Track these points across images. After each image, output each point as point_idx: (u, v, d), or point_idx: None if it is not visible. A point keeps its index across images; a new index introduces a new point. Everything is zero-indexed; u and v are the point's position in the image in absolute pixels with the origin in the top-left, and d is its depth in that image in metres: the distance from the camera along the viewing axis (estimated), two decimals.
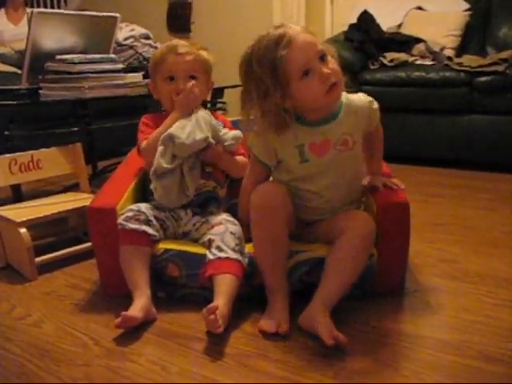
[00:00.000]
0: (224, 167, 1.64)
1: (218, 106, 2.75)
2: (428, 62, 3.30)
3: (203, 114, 1.55)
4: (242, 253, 1.40)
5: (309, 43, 1.28)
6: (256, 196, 1.36)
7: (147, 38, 3.59)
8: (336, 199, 1.44)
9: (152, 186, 1.52)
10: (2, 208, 1.84)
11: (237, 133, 1.60)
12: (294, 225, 1.46)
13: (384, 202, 1.42)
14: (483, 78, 2.94)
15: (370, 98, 1.45)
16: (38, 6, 4.77)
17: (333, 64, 1.31)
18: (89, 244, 1.75)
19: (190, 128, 1.50)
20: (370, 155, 1.54)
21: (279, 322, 1.29)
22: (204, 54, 1.63)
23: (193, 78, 1.60)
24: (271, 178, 1.48)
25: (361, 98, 1.44)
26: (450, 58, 3.21)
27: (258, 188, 1.38)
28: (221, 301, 1.28)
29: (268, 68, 1.26)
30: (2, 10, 3.90)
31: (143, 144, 1.59)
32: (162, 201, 1.51)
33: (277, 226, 1.34)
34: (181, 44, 1.59)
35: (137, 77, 2.41)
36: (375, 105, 1.45)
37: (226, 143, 1.58)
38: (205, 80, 1.64)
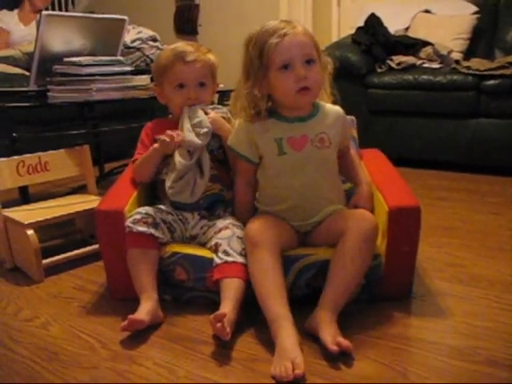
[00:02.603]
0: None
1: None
2: (436, 66, 3.29)
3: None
4: None
5: (300, 43, 1.38)
6: (248, 232, 1.37)
7: (154, 40, 3.61)
8: (316, 196, 1.46)
9: (168, 185, 1.53)
10: (10, 210, 1.84)
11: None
12: (295, 241, 1.47)
13: (395, 206, 1.40)
14: (491, 82, 2.92)
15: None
16: (46, 9, 4.77)
17: (316, 72, 1.40)
18: (96, 246, 1.75)
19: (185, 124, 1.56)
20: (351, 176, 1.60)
21: (293, 361, 1.13)
22: (210, 57, 1.62)
23: (202, 84, 1.60)
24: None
25: (337, 107, 1.53)
26: (457, 62, 3.20)
27: (249, 226, 1.39)
28: (228, 307, 1.28)
29: (258, 50, 1.38)
30: (15, 11, 3.92)
31: (134, 166, 1.63)
32: (176, 198, 1.53)
33: (269, 259, 1.31)
34: (188, 51, 1.58)
35: (144, 79, 2.41)
36: (347, 118, 1.56)
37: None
38: (212, 84, 1.64)
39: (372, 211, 1.49)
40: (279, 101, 1.44)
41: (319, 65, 1.42)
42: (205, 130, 1.53)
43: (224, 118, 1.62)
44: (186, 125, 1.54)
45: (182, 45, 1.62)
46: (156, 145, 1.56)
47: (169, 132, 1.51)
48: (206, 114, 1.57)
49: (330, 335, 1.20)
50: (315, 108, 1.49)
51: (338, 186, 1.56)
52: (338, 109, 1.53)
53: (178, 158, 1.53)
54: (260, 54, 1.38)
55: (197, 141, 1.52)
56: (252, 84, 1.40)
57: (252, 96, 1.41)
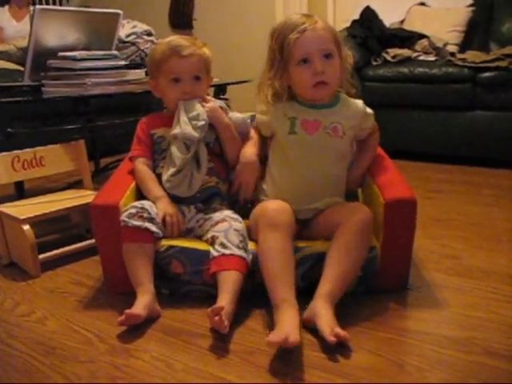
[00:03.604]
0: (227, 134, 1.62)
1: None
2: (431, 58, 3.29)
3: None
4: (245, 250, 1.40)
5: (318, 38, 1.44)
6: (266, 213, 1.38)
7: (149, 34, 3.58)
8: (320, 182, 1.49)
9: (165, 178, 1.53)
10: (6, 205, 1.83)
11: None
12: (295, 230, 1.47)
13: (392, 198, 1.41)
14: (486, 74, 2.93)
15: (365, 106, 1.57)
16: (41, 3, 4.75)
17: (334, 66, 1.46)
18: (92, 241, 1.75)
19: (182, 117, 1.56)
20: (356, 159, 1.60)
21: (288, 333, 1.15)
22: (206, 51, 1.62)
23: (197, 78, 1.60)
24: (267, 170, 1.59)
25: (358, 101, 1.56)
26: (453, 54, 3.20)
27: (265, 206, 1.40)
28: (226, 300, 1.28)
29: (279, 44, 1.46)
30: (6, 7, 3.89)
31: (138, 179, 1.61)
32: (173, 192, 1.54)
33: (284, 241, 1.33)
34: (184, 45, 1.57)
35: (139, 73, 2.40)
36: (369, 110, 1.57)
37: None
38: (206, 77, 1.64)
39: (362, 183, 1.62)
40: (298, 93, 1.52)
41: (338, 59, 1.48)
42: (202, 122, 1.53)
43: (222, 108, 1.62)
44: (183, 117, 1.54)
45: (177, 38, 1.61)
46: (162, 212, 1.49)
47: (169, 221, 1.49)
48: (206, 102, 1.58)
49: (328, 325, 1.20)
50: (335, 99, 1.54)
51: (343, 182, 1.57)
52: (359, 103, 1.56)
53: (175, 152, 1.52)
54: (281, 49, 1.46)
55: (194, 134, 1.52)
56: (273, 75, 1.49)
57: (273, 87, 1.51)
